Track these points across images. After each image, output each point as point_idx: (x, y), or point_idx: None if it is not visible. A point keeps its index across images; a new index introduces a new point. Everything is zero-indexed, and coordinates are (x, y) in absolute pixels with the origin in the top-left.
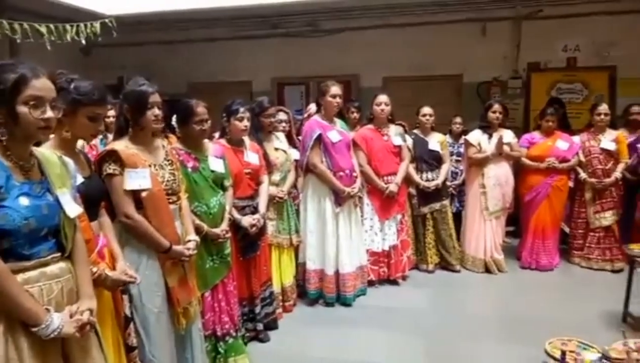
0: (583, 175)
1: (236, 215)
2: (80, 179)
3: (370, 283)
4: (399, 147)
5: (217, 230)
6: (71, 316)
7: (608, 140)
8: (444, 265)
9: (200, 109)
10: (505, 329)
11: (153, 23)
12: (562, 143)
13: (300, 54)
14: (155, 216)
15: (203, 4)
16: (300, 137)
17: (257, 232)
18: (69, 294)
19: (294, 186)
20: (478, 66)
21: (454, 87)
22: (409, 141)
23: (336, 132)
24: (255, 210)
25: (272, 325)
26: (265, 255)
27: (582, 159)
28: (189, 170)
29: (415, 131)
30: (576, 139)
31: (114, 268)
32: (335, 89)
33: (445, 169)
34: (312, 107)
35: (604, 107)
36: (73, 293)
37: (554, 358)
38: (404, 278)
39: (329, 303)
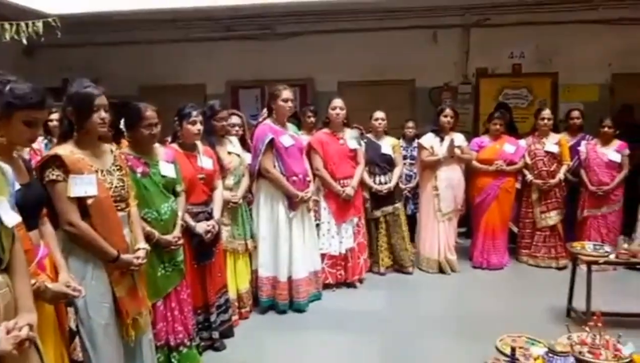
0: (529, 176)
1: (190, 221)
2: (16, 186)
3: (328, 286)
4: (355, 150)
5: (168, 237)
6: (8, 332)
7: (551, 143)
8: (397, 267)
9: (149, 112)
10: (458, 327)
11: (101, 23)
12: (509, 146)
13: (255, 57)
14: (102, 224)
15: (154, 5)
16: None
17: (212, 238)
18: (6, 309)
19: (249, 190)
20: (430, 72)
21: (407, 91)
22: (363, 145)
23: (288, 137)
24: (209, 216)
25: (228, 333)
26: (220, 262)
27: (528, 161)
28: (139, 175)
29: (368, 135)
30: (522, 142)
31: (56, 279)
32: (287, 93)
33: (397, 172)
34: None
35: (547, 112)
36: (11, 307)
37: (504, 355)
38: (360, 281)
39: (282, 311)
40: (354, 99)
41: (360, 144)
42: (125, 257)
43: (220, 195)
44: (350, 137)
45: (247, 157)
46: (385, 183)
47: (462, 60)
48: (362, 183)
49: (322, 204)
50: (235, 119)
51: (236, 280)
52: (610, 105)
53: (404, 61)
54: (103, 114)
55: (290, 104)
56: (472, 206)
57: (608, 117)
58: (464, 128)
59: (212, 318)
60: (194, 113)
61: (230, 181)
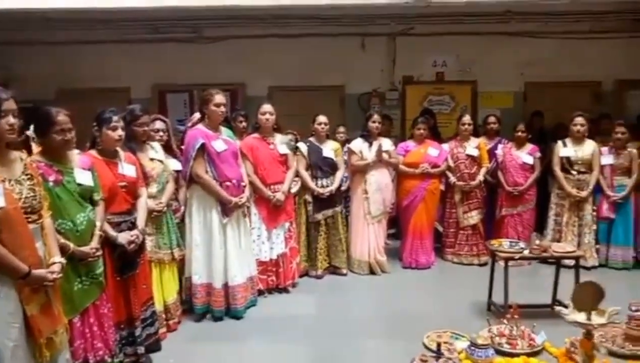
0: (452, 179)
1: (111, 232)
2: None
3: (260, 293)
4: (285, 155)
5: (85, 249)
6: None
7: (472, 147)
8: (333, 269)
9: (61, 117)
10: (388, 327)
11: (16, 21)
12: (432, 150)
13: (183, 60)
14: (10, 238)
15: (74, 4)
16: (183, 147)
17: (136, 248)
18: None
19: (175, 198)
20: (359, 78)
21: (337, 97)
22: (304, 149)
23: (221, 141)
24: (133, 226)
25: (154, 347)
26: (145, 273)
27: (451, 164)
28: (51, 184)
29: (310, 139)
30: (445, 146)
31: None
32: (220, 98)
33: (339, 175)
34: (197, 115)
35: (467, 118)
36: None
37: (431, 350)
38: (293, 285)
39: (218, 318)
40: (285, 104)
41: (290, 149)
42: (37, 272)
43: (144, 203)
44: (280, 142)
45: (172, 163)
46: (327, 186)
47: (389, 68)
48: (304, 187)
49: (252, 210)
50: (159, 124)
51: (163, 291)
52: (523, 111)
53: (334, 67)
54: (11, 119)
55: (223, 108)
56: (400, 208)
57: (521, 122)
58: (392, 133)
59: (137, 332)
60: (115, 118)
61: (153, 189)
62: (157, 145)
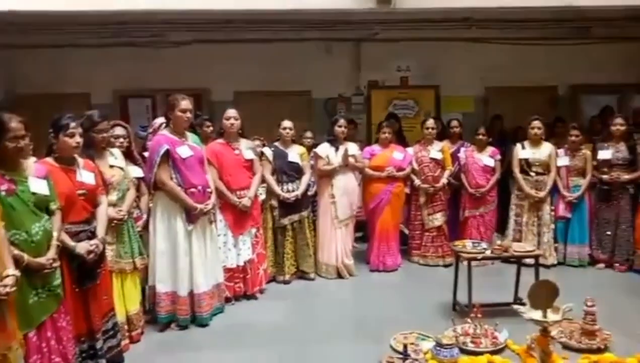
0: (417, 181)
1: (69, 241)
2: None
3: (227, 300)
4: (251, 161)
5: (41, 260)
6: None
7: (435, 150)
8: (300, 274)
9: (15, 124)
10: (356, 330)
11: None
12: (397, 154)
13: (146, 65)
14: None
15: (30, 6)
16: (146, 153)
17: (96, 258)
18: None
19: (137, 206)
20: (325, 83)
21: (304, 102)
22: (269, 153)
23: (187, 147)
24: (92, 235)
25: (116, 360)
26: (106, 283)
27: (416, 167)
28: (3, 193)
29: (275, 143)
30: (410, 149)
31: None
32: (185, 103)
33: (305, 180)
34: (158, 121)
35: (431, 122)
36: None
37: (398, 352)
38: (261, 292)
39: (183, 326)
40: (252, 109)
41: (256, 154)
42: None
43: (104, 212)
44: (246, 147)
45: (133, 170)
46: (293, 191)
47: (354, 73)
48: (270, 192)
49: (218, 216)
50: (119, 130)
51: (125, 301)
52: (484, 115)
53: (300, 72)
54: None
55: (189, 114)
56: (367, 211)
57: (482, 126)
58: (358, 137)
59: (98, 345)
60: (72, 124)
61: (113, 197)
62: (117, 151)
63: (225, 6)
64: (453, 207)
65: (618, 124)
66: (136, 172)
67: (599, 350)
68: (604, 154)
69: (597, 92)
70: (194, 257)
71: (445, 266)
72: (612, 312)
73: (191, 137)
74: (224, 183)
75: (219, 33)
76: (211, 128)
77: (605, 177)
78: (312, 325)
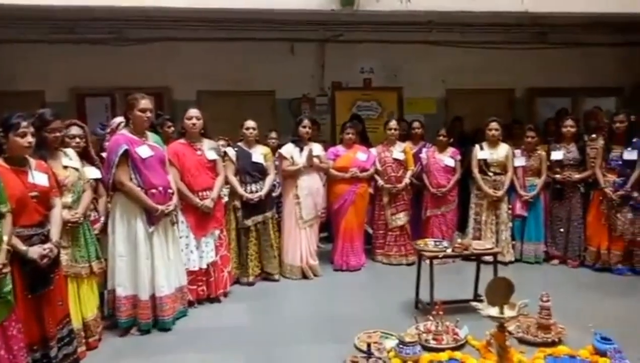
0: (380, 182)
1: (20, 246)
2: None
3: (190, 303)
4: (214, 161)
5: None
6: None
7: (398, 151)
8: (265, 275)
9: None
10: (320, 330)
11: None
12: (361, 154)
13: (104, 63)
14: None
15: None
16: (104, 154)
17: (49, 263)
18: None
19: (94, 208)
20: (289, 83)
21: (268, 102)
22: (232, 154)
23: (147, 147)
24: (46, 239)
25: None
26: (61, 289)
27: (379, 168)
28: None
29: (239, 144)
30: (373, 150)
31: None
32: (145, 103)
33: (269, 181)
34: (117, 120)
35: (393, 123)
36: None
37: (361, 351)
38: (225, 294)
39: (145, 331)
40: (215, 109)
41: (219, 155)
42: None
43: (58, 214)
44: (208, 148)
45: (90, 171)
46: (257, 191)
47: (318, 73)
48: (233, 193)
49: (179, 218)
50: (75, 130)
51: (81, 307)
52: (445, 117)
53: (264, 72)
54: None
55: (148, 113)
56: (331, 212)
57: (443, 127)
58: (322, 137)
59: (52, 353)
60: (23, 123)
61: (68, 198)
62: (71, 151)
63: (186, 4)
64: (415, 207)
65: (569, 126)
66: (93, 173)
67: (553, 343)
68: (556, 155)
69: (552, 95)
70: (156, 259)
71: (408, 265)
72: (565, 306)
73: (152, 137)
74: (186, 184)
75: (182, 31)
76: (172, 128)
77: (558, 176)
78: (277, 327)
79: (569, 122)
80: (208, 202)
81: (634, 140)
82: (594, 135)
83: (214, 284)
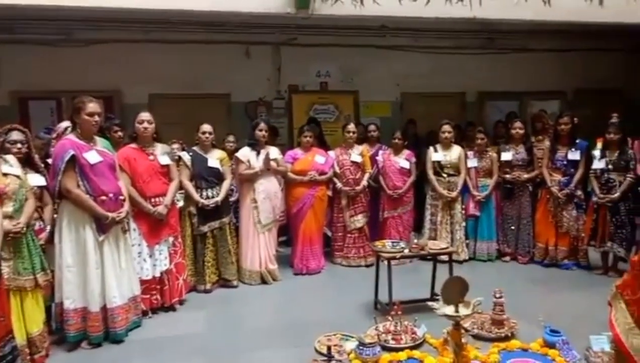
0: (339, 184)
1: None
2: None
3: (144, 313)
4: (167, 166)
5: None
6: None
7: (356, 154)
8: (223, 282)
9: None
10: (280, 335)
11: None
12: (319, 157)
13: (50, 64)
14: None
15: None
16: (49, 160)
17: None
18: None
19: (39, 217)
20: (245, 86)
21: (224, 106)
22: (187, 158)
23: (95, 153)
24: None
25: None
26: (2, 303)
27: (337, 170)
28: None
29: (194, 148)
30: (331, 153)
31: None
32: (93, 106)
33: (226, 185)
34: (63, 125)
35: (351, 126)
36: None
37: (322, 354)
38: (180, 303)
39: (96, 344)
40: (169, 113)
41: (173, 159)
42: None
43: None
44: (161, 153)
45: (33, 179)
46: (213, 197)
47: (274, 77)
48: (188, 198)
49: (131, 225)
50: (16, 135)
51: (25, 322)
52: (400, 120)
53: (219, 75)
54: None
55: (96, 118)
56: (290, 215)
57: (398, 130)
58: (280, 141)
59: None
60: None
61: (9, 208)
62: (11, 158)
63: (137, 5)
64: (373, 209)
65: (517, 128)
66: (37, 180)
67: (507, 338)
68: (506, 156)
69: (501, 99)
70: (106, 269)
71: (367, 266)
72: (517, 302)
73: (101, 142)
74: (138, 190)
75: (133, 32)
76: (120, 132)
77: (507, 176)
78: (235, 334)
79: (518, 124)
80: (161, 209)
81: (577, 141)
82: (540, 137)
83: (168, 293)
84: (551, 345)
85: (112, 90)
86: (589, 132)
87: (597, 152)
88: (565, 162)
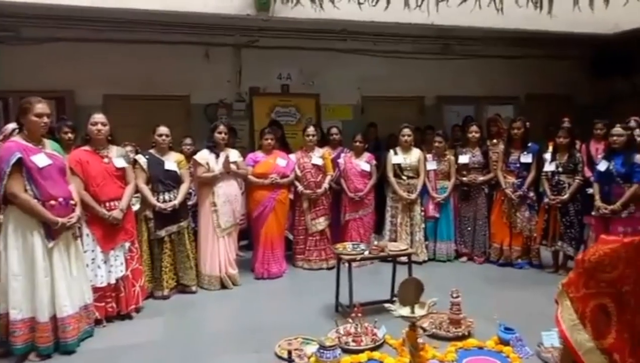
0: (300, 187)
1: None
2: None
3: (97, 322)
4: (122, 169)
5: None
6: None
7: (317, 156)
8: (181, 288)
9: None
10: (240, 340)
11: None
12: (281, 160)
13: None
14: None
15: None
16: None
17: None
18: None
19: None
20: (204, 88)
21: (183, 108)
22: (143, 161)
23: (44, 156)
24: None
25: None
26: None
27: (299, 173)
28: None
29: (150, 151)
30: (292, 156)
31: None
32: (41, 107)
33: (184, 189)
34: (10, 127)
35: (311, 129)
36: None
37: (282, 359)
38: (137, 310)
39: (45, 356)
40: (125, 114)
41: (128, 162)
42: None
43: None
44: (116, 155)
45: None
46: (170, 200)
47: (235, 79)
48: (144, 202)
49: (84, 230)
50: None
51: None
52: (361, 123)
53: (178, 76)
54: None
55: (45, 119)
56: (251, 219)
57: (359, 133)
58: (241, 143)
59: None
60: None
61: None
62: None
63: (91, 3)
64: (335, 211)
65: (473, 131)
66: None
67: (464, 337)
68: (463, 159)
69: (458, 103)
70: (56, 277)
71: (329, 269)
72: (473, 301)
73: (50, 145)
74: (91, 194)
75: (87, 31)
76: (70, 134)
77: (464, 179)
78: (194, 341)
79: (474, 128)
80: (116, 213)
81: (529, 144)
82: (495, 141)
83: (124, 300)
84: (505, 343)
85: (64, 90)
86: (541, 136)
87: (548, 155)
88: (518, 165)
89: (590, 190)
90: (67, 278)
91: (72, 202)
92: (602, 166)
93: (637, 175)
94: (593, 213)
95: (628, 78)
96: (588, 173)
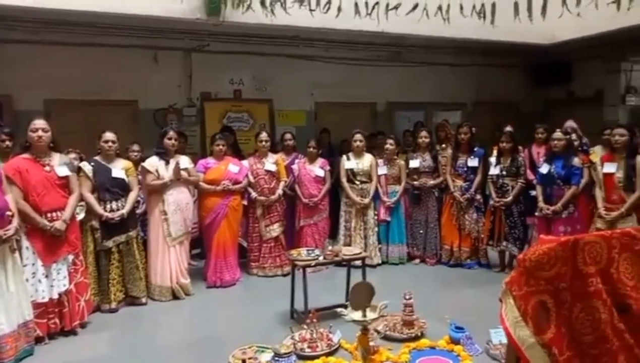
0: (253, 194)
1: None
2: None
3: (38, 339)
4: (66, 178)
5: None
6: None
7: (270, 162)
8: (130, 300)
9: None
10: (193, 352)
11: None
12: (233, 166)
13: None
14: None
15: None
16: None
17: None
18: None
19: None
20: (153, 93)
21: (130, 113)
22: (88, 169)
23: None
24: None
25: None
26: None
27: (252, 179)
28: None
29: (96, 158)
30: (245, 162)
31: None
32: None
33: (132, 197)
34: None
35: (264, 135)
36: None
37: None
38: (82, 325)
39: None
40: (69, 120)
41: (72, 170)
42: None
43: None
44: (59, 163)
45: None
46: (118, 209)
47: (185, 84)
48: (90, 211)
49: (24, 243)
50: None
51: None
52: (314, 129)
53: (125, 81)
54: None
55: None
56: (203, 226)
57: (313, 138)
58: (192, 150)
59: None
60: None
61: None
62: None
63: (32, 3)
64: (289, 217)
65: (423, 136)
66: None
67: (417, 338)
68: (414, 163)
69: (408, 109)
70: None
71: (284, 275)
72: (426, 302)
73: None
74: (31, 204)
75: (27, 33)
76: (8, 142)
77: (415, 183)
78: (144, 355)
79: (423, 133)
80: (59, 224)
81: (475, 149)
82: (443, 145)
83: (68, 315)
84: (456, 341)
85: (1, 95)
86: (487, 140)
87: (493, 159)
88: (465, 169)
89: (533, 192)
90: (4, 294)
91: (8, 213)
92: (544, 169)
93: (575, 178)
94: (536, 213)
95: (563, 85)
96: (530, 176)
